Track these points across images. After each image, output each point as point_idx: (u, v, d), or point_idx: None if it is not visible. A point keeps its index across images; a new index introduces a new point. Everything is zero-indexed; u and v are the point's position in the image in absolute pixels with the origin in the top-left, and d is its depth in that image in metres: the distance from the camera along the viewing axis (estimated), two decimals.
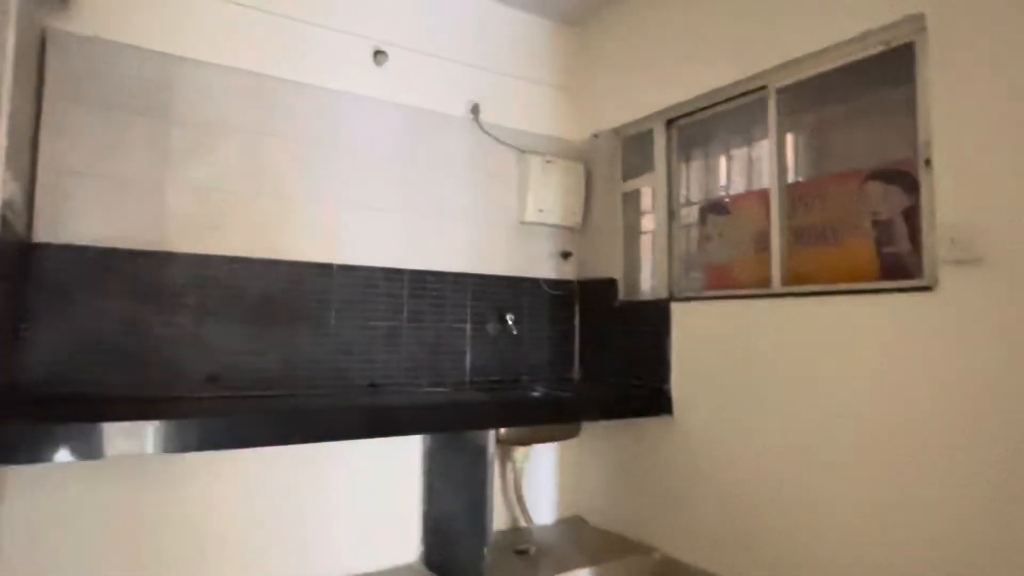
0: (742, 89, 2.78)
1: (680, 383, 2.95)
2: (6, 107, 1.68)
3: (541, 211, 3.30)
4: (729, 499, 2.68)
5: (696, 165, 3.15)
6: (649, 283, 3.30)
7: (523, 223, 3.34)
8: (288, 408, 2.22)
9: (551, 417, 2.70)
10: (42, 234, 2.29)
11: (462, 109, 3.21)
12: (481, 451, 2.55)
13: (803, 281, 2.56)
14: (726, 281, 2.91)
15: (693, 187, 3.15)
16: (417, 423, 2.37)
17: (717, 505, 2.72)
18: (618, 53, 3.39)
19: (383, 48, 2.97)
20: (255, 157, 2.70)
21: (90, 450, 1.79)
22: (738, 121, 2.94)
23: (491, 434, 2.53)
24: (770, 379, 2.56)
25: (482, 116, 3.24)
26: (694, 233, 3.10)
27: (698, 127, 3.10)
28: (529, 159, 3.30)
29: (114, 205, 2.42)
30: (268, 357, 2.69)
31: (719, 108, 2.92)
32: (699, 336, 2.88)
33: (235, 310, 2.63)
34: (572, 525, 3.37)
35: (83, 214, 2.36)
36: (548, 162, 3.33)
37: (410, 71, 3.07)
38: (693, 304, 2.94)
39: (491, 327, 3.21)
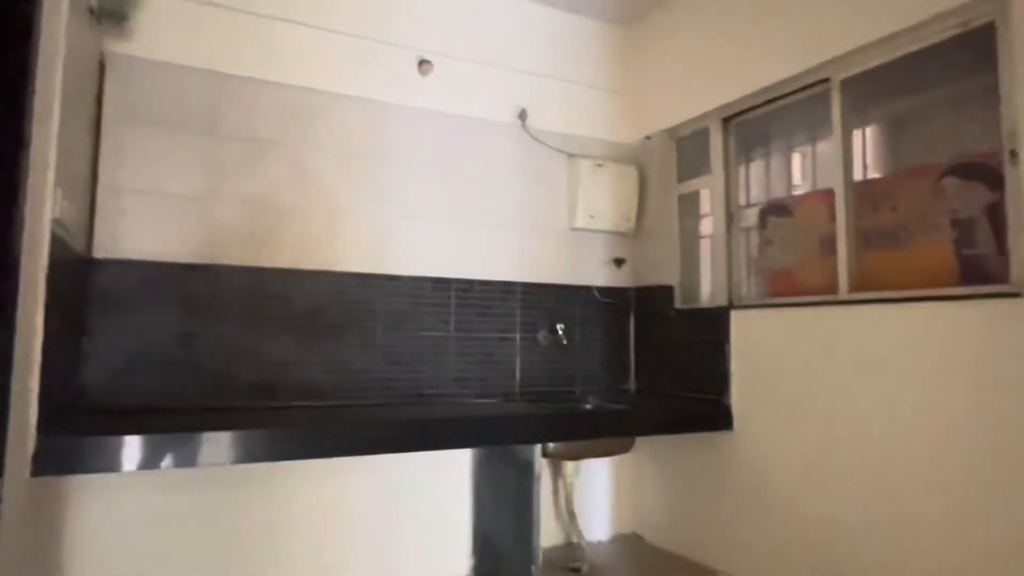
0: (803, 83, 2.60)
1: (741, 396, 2.79)
2: (55, 128, 1.74)
3: (592, 217, 3.21)
4: (795, 522, 2.49)
5: (755, 165, 2.98)
6: (708, 290, 3.14)
7: (574, 229, 3.25)
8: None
9: (601, 431, 2.59)
10: (101, 250, 2.39)
11: (509, 115, 3.16)
12: (527, 466, 2.48)
13: (873, 287, 2.36)
14: (789, 287, 2.72)
15: (753, 188, 2.98)
16: (455, 436, 2.31)
17: (782, 528, 2.55)
18: (670, 51, 3.26)
19: (428, 58, 2.96)
20: (302, 170, 2.73)
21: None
22: (800, 117, 2.76)
23: (536, 448, 2.45)
24: (838, 393, 2.37)
25: (530, 121, 3.18)
26: (754, 237, 2.93)
27: (757, 125, 2.93)
28: (579, 163, 3.22)
29: (167, 221, 2.49)
30: (317, 368, 2.70)
31: (779, 103, 2.75)
32: (761, 346, 2.71)
33: (284, 321, 2.66)
34: (629, 543, 3.24)
35: (139, 230, 2.45)
36: (599, 166, 3.23)
37: (455, 79, 3.04)
38: (754, 312, 2.77)
39: (541, 337, 3.14)
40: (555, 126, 3.25)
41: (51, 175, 1.74)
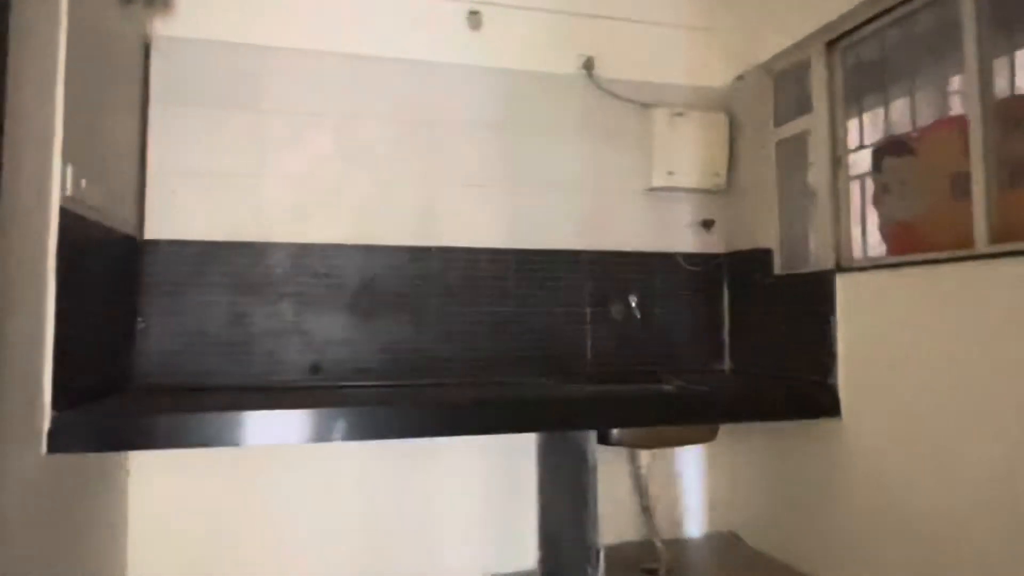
0: None
1: (850, 378, 2.30)
2: (59, 109, 1.73)
3: (671, 174, 2.81)
4: (919, 534, 2.00)
5: (867, 99, 2.42)
6: (812, 252, 2.63)
7: (651, 190, 2.87)
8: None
9: (666, 417, 2.23)
10: (153, 231, 2.42)
11: (572, 65, 2.83)
12: (581, 454, 2.20)
13: (1022, 236, 1.80)
14: (912, 243, 2.19)
15: (864, 128, 2.43)
16: (482, 421, 2.07)
17: (902, 538, 2.06)
18: None
19: (478, 8, 2.72)
20: (349, 141, 2.62)
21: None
22: (921, 31, 2.19)
23: (591, 435, 2.16)
24: (975, 371, 1.85)
25: (597, 71, 2.84)
26: (867, 185, 2.39)
27: (867, 48, 2.38)
28: (653, 114, 2.83)
29: (216, 199, 2.49)
30: (368, 346, 2.60)
31: (895, 14, 2.20)
32: (875, 316, 2.21)
33: (334, 298, 2.58)
34: (724, 543, 2.85)
35: (188, 210, 2.46)
36: (678, 115, 2.82)
37: (509, 31, 2.77)
38: (866, 275, 2.27)
39: (615, 311, 2.81)
40: (627, 74, 2.88)
41: (56, 155, 1.73)
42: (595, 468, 2.16)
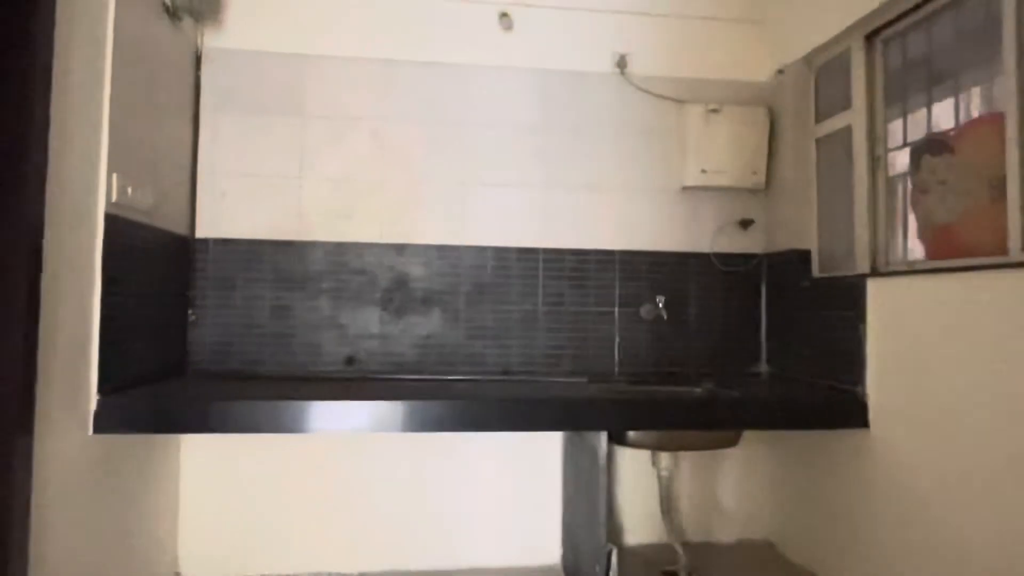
0: None
1: (880, 387, 2.20)
2: (105, 121, 1.91)
3: (705, 172, 2.75)
4: (949, 553, 1.91)
5: (910, 95, 2.28)
6: (850, 254, 2.52)
7: (685, 188, 2.83)
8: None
9: (683, 421, 2.20)
10: (203, 230, 2.62)
11: (605, 64, 2.82)
12: (595, 454, 2.22)
13: None
14: (950, 247, 2.06)
15: (906, 124, 2.29)
16: (502, 418, 2.12)
17: (932, 556, 1.97)
18: None
19: (508, 10, 2.75)
20: (384, 143, 2.72)
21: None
22: (964, 24, 2.04)
23: (602, 436, 2.18)
24: (1011, 389, 1.74)
25: (630, 68, 2.82)
26: (906, 185, 2.26)
27: (909, 41, 2.24)
28: (687, 110, 2.77)
29: (261, 200, 2.65)
30: (401, 340, 2.71)
31: (932, 5, 2.07)
32: (907, 324, 2.10)
33: (368, 294, 2.70)
34: (755, 551, 2.79)
35: (236, 211, 2.64)
36: (713, 111, 2.75)
37: (541, 30, 2.79)
38: (899, 281, 2.16)
39: (644, 311, 2.79)
40: (662, 71, 2.84)
41: (102, 166, 1.92)
42: (605, 469, 2.18)
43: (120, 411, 1.93)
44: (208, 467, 2.54)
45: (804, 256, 2.65)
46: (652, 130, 2.84)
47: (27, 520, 1.59)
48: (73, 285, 1.78)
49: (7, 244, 1.53)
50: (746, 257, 2.87)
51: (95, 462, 1.91)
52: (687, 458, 2.78)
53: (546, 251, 2.77)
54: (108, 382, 1.93)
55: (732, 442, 2.44)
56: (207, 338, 2.60)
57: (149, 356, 2.27)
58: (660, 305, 2.75)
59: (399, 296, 2.72)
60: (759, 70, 2.87)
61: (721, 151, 2.76)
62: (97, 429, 1.89)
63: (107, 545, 2.00)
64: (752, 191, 2.84)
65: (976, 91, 2.02)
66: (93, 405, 1.89)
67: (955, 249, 2.03)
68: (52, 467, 1.67)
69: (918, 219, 2.21)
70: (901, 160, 2.28)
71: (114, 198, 1.95)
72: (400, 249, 2.72)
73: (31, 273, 1.59)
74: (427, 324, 2.73)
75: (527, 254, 2.77)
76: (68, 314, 1.76)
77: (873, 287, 2.23)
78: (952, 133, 2.07)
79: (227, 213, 2.64)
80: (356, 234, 2.70)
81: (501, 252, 2.76)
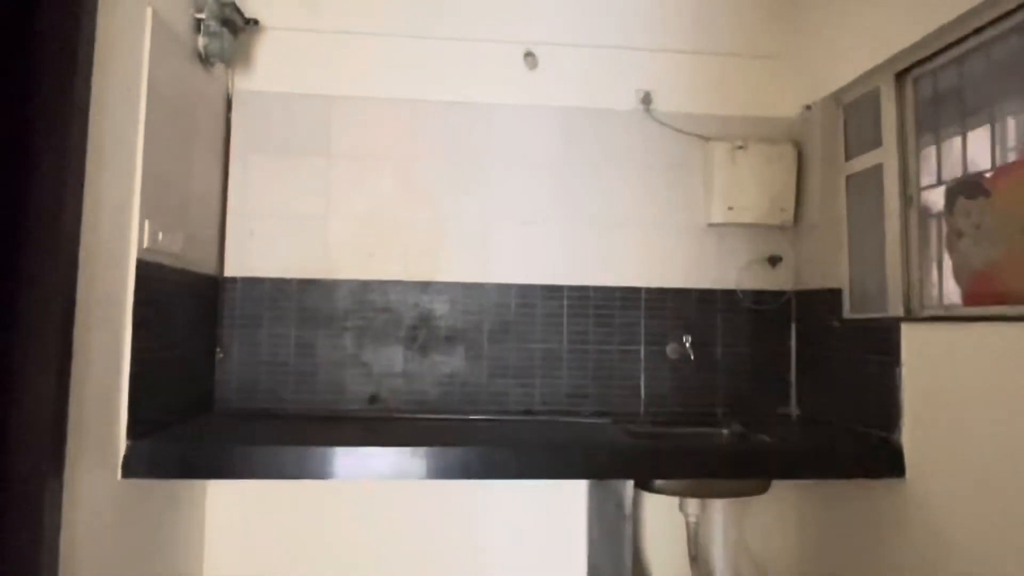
0: (1001, 10, 1.88)
1: (916, 436, 2.13)
2: (139, 169, 1.95)
3: (731, 209, 2.72)
4: None
5: (943, 134, 2.23)
6: (883, 296, 2.46)
7: (711, 225, 2.79)
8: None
9: (718, 470, 2.15)
10: (232, 269, 2.65)
11: (630, 101, 2.81)
12: (619, 501, 2.18)
13: None
14: (988, 294, 2.00)
15: (937, 163, 2.24)
16: (526, 466, 2.09)
17: None
18: None
19: (533, 49, 2.77)
20: (408, 182, 2.74)
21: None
22: (999, 61, 2.00)
23: (627, 484, 2.14)
24: None
25: (655, 105, 2.81)
26: (941, 227, 2.21)
27: (941, 78, 2.20)
28: (713, 147, 2.75)
29: (287, 239, 2.69)
30: (424, 378, 2.71)
31: (968, 44, 2.03)
32: (946, 372, 2.03)
33: (392, 332, 2.71)
34: None
35: (264, 250, 2.67)
36: (739, 148, 2.72)
37: (565, 69, 2.80)
38: (936, 327, 2.09)
39: (670, 350, 2.75)
40: (686, 107, 2.82)
41: (135, 214, 1.96)
42: (631, 517, 2.14)
43: (148, 457, 1.95)
44: (233, 509, 2.55)
45: (835, 295, 2.59)
46: (677, 166, 2.82)
47: (56, 564, 1.61)
48: (104, 331, 1.81)
49: (42, 301, 1.56)
50: (775, 295, 2.82)
51: (123, 505, 1.93)
52: (715, 504, 2.72)
53: (570, 288, 2.76)
54: (138, 425, 1.96)
55: (762, 489, 2.38)
56: (233, 375, 2.63)
57: (178, 395, 2.30)
58: (687, 344, 2.71)
59: (423, 334, 2.72)
60: (785, 106, 2.84)
61: (747, 188, 2.72)
62: (126, 474, 1.90)
63: None
64: (780, 228, 2.79)
65: (1012, 127, 1.96)
66: (123, 449, 1.91)
67: (992, 296, 1.97)
68: (81, 510, 1.69)
69: (953, 262, 2.15)
70: (935, 199, 2.23)
71: (145, 244, 1.99)
72: (424, 287, 2.73)
73: (64, 325, 1.62)
74: (451, 362, 2.72)
75: (551, 291, 2.76)
76: (99, 359, 1.78)
77: (908, 331, 2.17)
78: (987, 175, 2.02)
79: (255, 252, 2.67)
80: (380, 272, 2.72)
81: (525, 289, 2.75)
